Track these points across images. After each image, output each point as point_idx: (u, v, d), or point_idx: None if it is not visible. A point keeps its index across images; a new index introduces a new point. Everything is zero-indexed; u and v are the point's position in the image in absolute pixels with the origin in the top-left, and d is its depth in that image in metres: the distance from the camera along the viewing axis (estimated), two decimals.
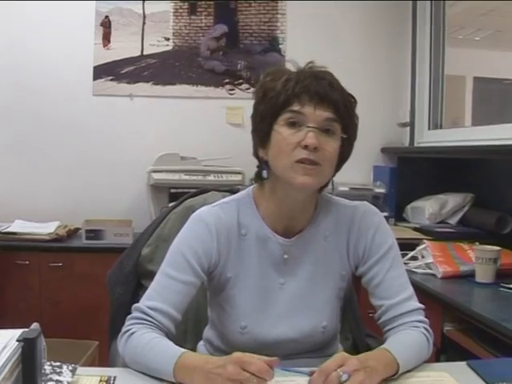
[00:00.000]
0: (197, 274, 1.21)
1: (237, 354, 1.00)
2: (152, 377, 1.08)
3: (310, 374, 1.03)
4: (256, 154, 1.27)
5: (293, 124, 1.17)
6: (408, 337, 1.19)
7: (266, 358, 0.99)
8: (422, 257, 2.23)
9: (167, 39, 3.27)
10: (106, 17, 3.22)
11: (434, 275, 2.12)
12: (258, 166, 1.28)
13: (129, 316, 1.20)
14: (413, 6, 3.32)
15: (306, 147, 1.14)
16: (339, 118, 1.18)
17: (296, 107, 1.16)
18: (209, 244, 1.22)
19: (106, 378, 1.06)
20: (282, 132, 1.17)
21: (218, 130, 3.27)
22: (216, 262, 1.24)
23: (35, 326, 0.94)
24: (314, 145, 1.14)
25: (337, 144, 1.18)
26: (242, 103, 3.20)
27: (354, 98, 1.23)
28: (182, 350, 1.10)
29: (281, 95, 1.17)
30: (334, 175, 1.25)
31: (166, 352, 1.09)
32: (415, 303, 1.25)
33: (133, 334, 1.16)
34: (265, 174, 1.27)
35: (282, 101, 1.17)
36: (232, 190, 1.49)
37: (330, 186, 1.30)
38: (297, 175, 1.16)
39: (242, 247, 1.25)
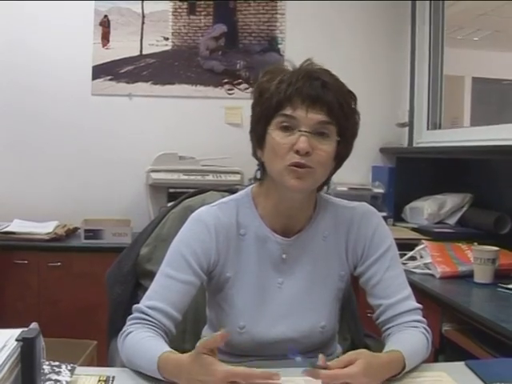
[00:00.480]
0: (196, 273, 1.21)
1: (222, 371, 0.95)
2: (150, 377, 1.08)
3: (321, 365, 0.99)
4: (255, 154, 1.27)
5: (285, 128, 1.16)
6: (414, 338, 1.19)
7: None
8: (421, 257, 2.23)
9: (166, 39, 3.27)
10: (105, 16, 3.22)
11: (432, 275, 2.12)
12: (258, 165, 1.28)
13: (129, 317, 1.20)
14: (412, 6, 3.32)
15: (297, 152, 1.14)
16: (334, 120, 1.16)
17: (288, 111, 1.15)
18: (208, 244, 1.23)
19: (104, 378, 1.06)
20: (275, 136, 1.17)
21: (216, 129, 3.27)
22: (215, 261, 1.24)
23: (34, 325, 0.94)
24: (305, 150, 1.13)
25: (331, 147, 1.17)
26: (241, 103, 3.20)
27: (353, 95, 1.21)
28: (162, 350, 1.08)
29: (274, 98, 1.16)
30: (333, 173, 1.25)
31: (148, 352, 1.08)
32: (413, 303, 1.25)
33: (129, 334, 1.16)
34: (259, 174, 1.27)
35: (275, 104, 1.16)
36: (231, 189, 1.49)
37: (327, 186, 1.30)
38: (289, 178, 1.15)
39: (240, 247, 1.25)
